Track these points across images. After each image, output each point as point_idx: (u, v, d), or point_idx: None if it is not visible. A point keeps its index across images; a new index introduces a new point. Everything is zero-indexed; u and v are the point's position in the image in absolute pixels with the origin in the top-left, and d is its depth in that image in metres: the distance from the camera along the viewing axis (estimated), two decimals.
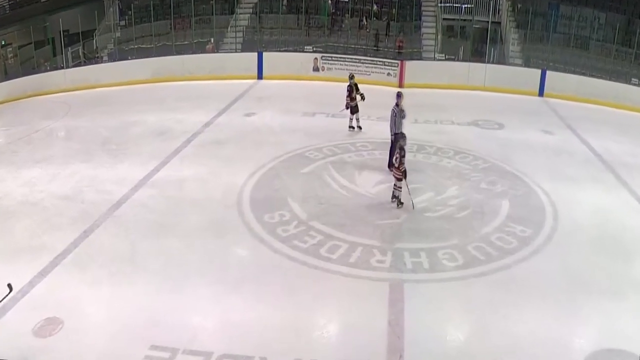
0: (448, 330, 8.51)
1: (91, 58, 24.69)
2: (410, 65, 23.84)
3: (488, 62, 24.05)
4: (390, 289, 9.28)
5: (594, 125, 18.73)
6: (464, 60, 24.66)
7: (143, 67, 23.77)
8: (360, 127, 16.97)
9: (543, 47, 24.21)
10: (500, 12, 26.96)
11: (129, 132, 17.02)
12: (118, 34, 26.20)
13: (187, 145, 15.74)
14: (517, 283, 9.53)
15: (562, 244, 10.81)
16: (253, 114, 18.97)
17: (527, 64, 24.20)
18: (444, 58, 24.93)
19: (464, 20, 26.60)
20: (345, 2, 27.12)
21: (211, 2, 25.96)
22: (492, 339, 8.12)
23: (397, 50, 25.03)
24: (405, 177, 11.99)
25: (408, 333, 8.17)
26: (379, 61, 24.13)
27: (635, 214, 12.27)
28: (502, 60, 24.89)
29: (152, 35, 25.07)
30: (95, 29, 25.53)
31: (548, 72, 22.85)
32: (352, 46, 25.32)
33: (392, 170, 12.75)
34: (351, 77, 17.39)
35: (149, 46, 24.98)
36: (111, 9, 27.03)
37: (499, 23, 26.77)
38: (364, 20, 26.44)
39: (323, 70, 24.58)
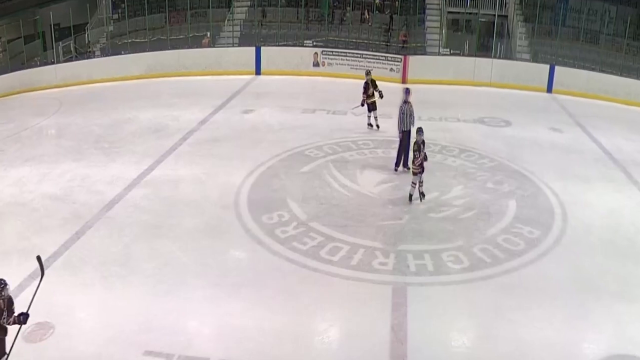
0: (453, 335, 8.50)
1: (83, 53, 24.67)
2: (414, 60, 23.83)
3: (494, 57, 24.05)
4: (393, 293, 9.27)
5: (605, 122, 18.74)
6: (469, 55, 24.65)
7: (137, 62, 23.78)
8: (378, 126, 16.83)
9: (551, 42, 24.19)
10: (507, 5, 26.94)
11: (122, 129, 17.02)
12: (111, 28, 26.20)
13: (182, 144, 15.73)
14: (524, 286, 9.52)
15: (571, 246, 10.81)
16: (251, 111, 18.96)
17: (535, 59, 24.19)
18: (448, 53, 24.91)
19: (470, 13, 26.57)
20: None
21: None
22: (498, 345, 8.11)
23: (400, 45, 25.00)
24: (422, 172, 12.14)
25: (411, 338, 8.15)
26: (382, 56, 24.10)
27: None
28: (509, 55, 24.90)
29: (146, 29, 25.08)
30: (87, 23, 25.54)
31: (557, 68, 22.82)
32: (354, 40, 25.29)
33: (401, 170, 13.26)
34: (367, 73, 17.26)
35: (143, 40, 24.98)
36: (104, 1, 27.05)
37: (506, 16, 26.75)
38: (366, 13, 26.42)
39: (324, 65, 24.56)
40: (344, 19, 26.28)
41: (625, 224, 11.79)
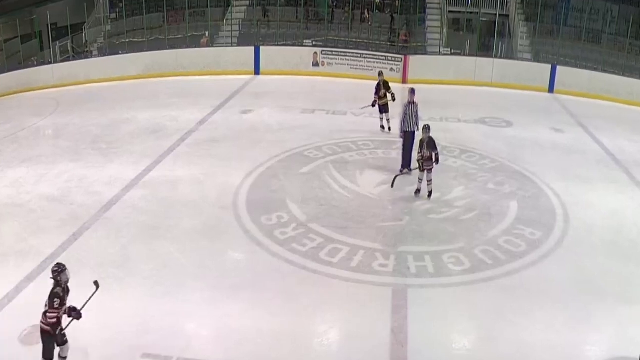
0: (454, 337, 8.52)
1: (80, 52, 24.64)
2: (415, 60, 23.83)
3: (496, 57, 24.06)
4: (394, 295, 9.28)
5: (607, 123, 18.75)
6: (470, 54, 24.66)
7: (135, 62, 23.76)
8: (389, 129, 16.64)
9: (553, 41, 24.18)
10: (508, 5, 26.95)
11: (120, 130, 17.02)
12: (108, 28, 26.18)
13: (180, 144, 15.74)
14: (526, 288, 9.53)
15: (573, 248, 10.83)
16: (250, 111, 18.97)
17: (536, 58, 24.19)
18: (449, 52, 24.88)
19: (471, 13, 26.60)
20: None
21: None
22: (499, 347, 8.12)
23: (400, 45, 25.00)
24: (420, 168, 12.36)
25: (412, 341, 8.16)
26: (382, 56, 24.07)
27: None
28: (510, 54, 24.90)
29: (144, 28, 25.06)
30: (85, 22, 25.50)
31: (558, 67, 22.82)
32: (354, 40, 25.29)
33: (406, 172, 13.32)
34: (379, 74, 17.24)
35: (140, 40, 24.97)
36: (101, 1, 27.01)
37: (507, 16, 26.77)
38: (366, 13, 26.42)
39: (323, 65, 24.54)
40: (344, 18, 26.25)
41: (627, 225, 11.80)
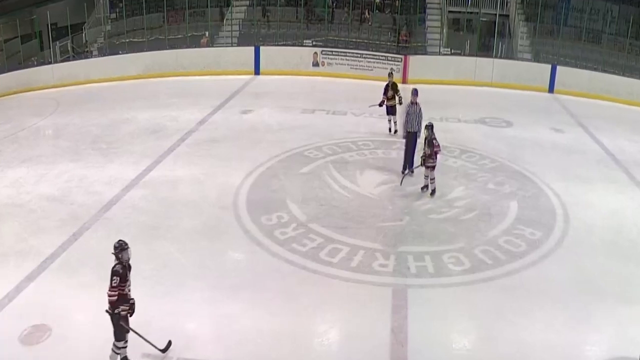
0: (454, 338, 8.52)
1: (80, 52, 24.63)
2: (415, 60, 23.83)
3: (496, 57, 24.05)
4: (394, 295, 9.28)
5: (607, 123, 18.75)
6: (470, 54, 24.65)
7: (135, 62, 23.77)
8: (396, 131, 16.54)
9: (553, 41, 24.16)
10: (508, 5, 26.95)
11: (120, 130, 17.02)
12: (108, 28, 26.18)
13: (180, 144, 15.74)
14: (526, 288, 9.54)
15: (573, 248, 10.83)
16: (250, 111, 18.97)
17: (536, 58, 24.18)
18: (449, 52, 24.87)
19: (471, 13, 26.59)
20: None
21: None
22: (499, 347, 8.12)
23: (400, 45, 25.00)
24: (422, 164, 12.51)
25: (412, 341, 8.16)
26: (382, 56, 24.08)
27: None
28: (510, 54, 24.89)
29: (144, 28, 25.05)
30: (85, 22, 25.50)
31: (558, 67, 22.83)
32: (354, 40, 25.28)
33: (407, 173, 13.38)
34: (389, 74, 17.25)
35: (140, 40, 24.96)
36: (101, 1, 27.01)
37: (507, 16, 26.76)
38: (366, 13, 26.42)
39: (323, 65, 24.54)
40: (344, 18, 26.23)
41: (627, 225, 11.81)
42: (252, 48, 24.68)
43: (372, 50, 24.50)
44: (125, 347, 7.58)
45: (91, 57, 24.26)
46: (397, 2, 26.35)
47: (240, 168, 13.93)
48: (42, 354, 7.81)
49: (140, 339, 7.63)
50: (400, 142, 15.01)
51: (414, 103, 13.65)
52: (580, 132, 17.81)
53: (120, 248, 7.56)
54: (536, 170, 14.25)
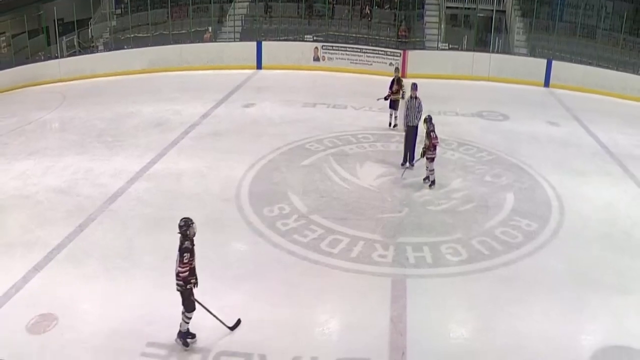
0: (451, 327, 8.48)
1: (86, 47, 24.52)
2: (413, 55, 23.73)
3: (492, 52, 23.89)
4: (393, 285, 9.24)
5: (601, 116, 18.65)
6: (467, 49, 24.49)
7: (139, 57, 23.64)
8: (396, 125, 16.41)
9: (549, 37, 24.01)
10: (504, 1, 26.77)
11: (125, 123, 16.94)
12: (114, 23, 26.05)
13: (184, 137, 15.67)
14: (522, 279, 9.50)
15: (568, 239, 10.78)
16: (252, 105, 18.89)
17: (532, 53, 24.05)
18: (447, 47, 24.72)
19: (468, 8, 26.40)
20: None
21: None
22: (496, 337, 8.10)
23: (399, 40, 24.90)
24: (422, 156, 12.53)
25: (411, 330, 8.13)
26: (381, 51, 23.99)
27: None
28: (506, 49, 24.75)
29: (148, 24, 24.93)
30: (91, 18, 25.38)
31: (554, 62, 22.70)
32: (354, 35, 25.17)
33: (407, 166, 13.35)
34: (395, 70, 17.28)
35: (145, 35, 24.85)
36: None
37: (504, 11, 26.59)
38: (367, 9, 26.28)
39: (324, 60, 24.44)
40: (344, 14, 26.09)
41: (621, 217, 11.75)
42: (254, 43, 24.57)
43: (371, 45, 24.39)
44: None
45: (97, 52, 24.14)
46: None
47: (243, 161, 13.86)
48: (48, 342, 7.77)
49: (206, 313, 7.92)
50: (400, 136, 14.97)
51: (413, 97, 13.57)
52: (576, 126, 17.72)
53: (187, 225, 7.71)
54: (532, 163, 14.18)
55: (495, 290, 9.19)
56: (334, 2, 26.57)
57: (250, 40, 24.89)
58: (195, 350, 7.64)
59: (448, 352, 7.79)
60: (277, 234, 10.65)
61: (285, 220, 11.16)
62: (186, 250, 7.55)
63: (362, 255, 10.03)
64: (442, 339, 8.08)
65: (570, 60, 22.80)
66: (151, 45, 24.14)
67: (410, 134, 13.59)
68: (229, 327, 8.04)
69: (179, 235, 7.67)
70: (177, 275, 7.60)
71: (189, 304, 7.72)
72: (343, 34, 25.25)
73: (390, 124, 16.64)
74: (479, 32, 25.54)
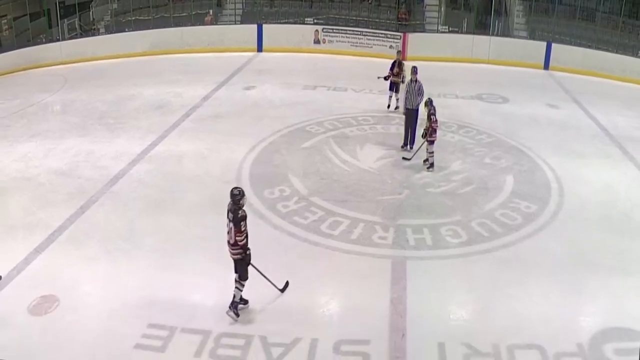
0: (451, 309, 8.39)
1: (88, 30, 24.27)
2: (413, 38, 23.53)
3: (492, 35, 23.65)
4: (393, 266, 9.15)
5: (601, 99, 18.49)
6: (467, 32, 24.25)
7: (141, 40, 23.45)
8: (397, 107, 16.23)
9: (548, 19, 23.79)
10: None
11: (126, 105, 16.78)
12: (115, 6, 25.73)
13: (185, 120, 15.52)
14: (521, 260, 9.40)
15: (567, 221, 10.68)
16: (253, 88, 18.71)
17: (532, 36, 23.84)
18: (447, 30, 24.53)
19: None
20: None
21: None
22: (496, 318, 8.01)
23: (399, 23, 24.67)
24: (423, 137, 12.53)
25: (411, 312, 8.05)
26: (381, 33, 23.80)
27: None
28: (506, 32, 24.49)
29: (149, 6, 24.66)
30: (92, 1, 25.07)
31: (553, 45, 22.51)
32: (354, 18, 24.92)
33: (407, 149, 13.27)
34: (397, 52, 17.27)
35: (146, 18, 24.59)
36: None
37: None
38: None
39: (324, 42, 24.24)
40: None
41: (621, 199, 11.65)
42: (255, 26, 24.35)
43: (371, 28, 24.18)
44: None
45: (98, 35, 23.88)
46: None
47: (243, 143, 13.73)
48: (50, 324, 7.69)
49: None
50: (400, 118, 14.86)
51: (413, 80, 13.41)
52: (575, 108, 17.55)
53: (241, 195, 7.68)
54: (532, 145, 14.05)
55: (494, 272, 9.10)
56: None
57: (251, 23, 24.64)
58: (195, 331, 7.55)
59: (448, 333, 7.70)
60: (278, 216, 10.55)
61: (286, 202, 11.05)
62: (243, 218, 7.58)
63: (363, 237, 9.93)
64: (442, 321, 7.99)
65: (570, 43, 22.61)
66: (152, 28, 23.87)
67: (410, 117, 13.44)
68: (280, 289, 8.29)
69: (231, 205, 7.66)
70: (235, 244, 7.68)
71: (244, 272, 7.85)
72: (343, 16, 25.01)
73: (388, 106, 16.48)
74: (478, 15, 25.25)
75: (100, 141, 13.94)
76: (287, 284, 8.41)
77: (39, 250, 9.32)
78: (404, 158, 13.08)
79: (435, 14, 24.87)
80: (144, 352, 7.24)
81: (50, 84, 19.10)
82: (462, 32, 24.47)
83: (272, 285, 8.30)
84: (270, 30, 24.31)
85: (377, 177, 12.30)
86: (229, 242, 7.74)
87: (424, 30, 24.54)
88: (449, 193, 11.62)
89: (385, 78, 16.30)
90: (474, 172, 12.56)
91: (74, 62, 22.07)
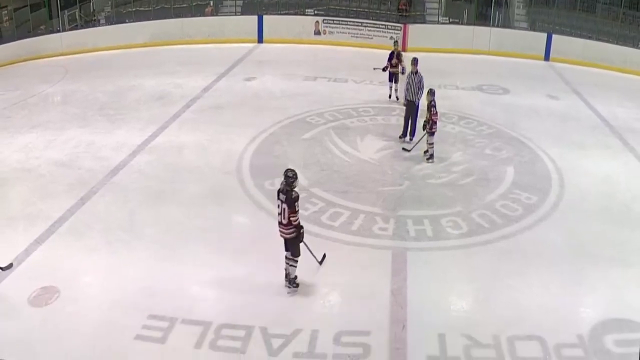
0: (452, 299, 8.35)
1: (88, 21, 24.13)
2: (414, 29, 23.39)
3: (493, 26, 23.52)
4: (393, 258, 9.10)
5: (601, 90, 18.38)
6: (468, 23, 24.10)
7: (141, 31, 23.31)
8: (397, 98, 16.17)
9: (549, 10, 23.68)
10: None
11: (126, 96, 16.68)
12: None
13: (185, 111, 15.43)
14: (522, 252, 9.35)
15: (568, 212, 10.62)
16: (253, 79, 18.60)
17: (532, 27, 23.71)
18: (447, 21, 24.41)
19: None
20: None
21: None
22: (496, 309, 7.97)
23: (400, 14, 24.54)
24: (423, 129, 12.43)
25: (411, 303, 8.01)
26: (381, 24, 23.66)
27: None
28: (507, 23, 24.36)
29: None
30: None
31: (554, 36, 22.38)
32: (355, 9, 24.79)
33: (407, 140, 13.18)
34: (394, 43, 17.07)
35: (146, 9, 24.44)
36: None
37: None
38: None
39: (325, 34, 24.10)
40: None
41: (621, 190, 11.58)
42: (256, 17, 24.19)
43: (372, 19, 24.03)
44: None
45: (99, 26, 23.73)
46: None
47: (244, 134, 13.65)
48: (50, 315, 7.66)
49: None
50: (400, 109, 14.77)
51: (414, 72, 13.30)
52: (575, 99, 17.46)
53: (295, 177, 7.88)
54: (532, 136, 13.97)
55: (495, 262, 9.06)
56: None
57: (252, 13, 24.48)
58: (195, 322, 7.51)
59: (448, 324, 7.66)
60: None
61: None
62: (297, 199, 7.81)
63: (363, 228, 9.88)
64: (442, 311, 7.96)
65: (570, 34, 22.47)
66: (153, 19, 23.69)
67: (411, 108, 13.35)
68: (319, 262, 8.61)
69: (284, 186, 7.88)
70: (289, 224, 7.89)
71: (296, 250, 8.07)
72: (344, 8, 24.87)
73: (390, 96, 16.40)
74: (479, 6, 25.10)
75: (101, 132, 13.86)
76: (324, 256, 8.73)
77: (39, 241, 9.28)
78: (404, 149, 13.01)
79: (436, 5, 24.70)
80: (144, 343, 7.21)
81: (51, 75, 18.99)
82: (462, 23, 24.34)
83: (266, 278, 8.35)
84: (270, 21, 24.16)
85: (378, 168, 12.24)
86: (280, 222, 7.95)
87: (424, 22, 24.40)
88: (449, 184, 11.56)
89: (384, 69, 16.22)
90: (475, 163, 12.49)
91: (74, 53, 21.93)
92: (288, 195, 7.78)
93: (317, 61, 21.20)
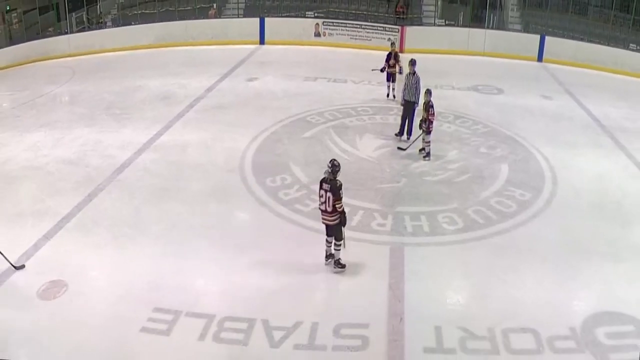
0: (448, 294, 8.35)
1: (95, 23, 24.17)
2: (411, 31, 23.38)
3: (487, 28, 23.52)
4: (391, 253, 9.10)
5: (593, 90, 18.36)
6: (463, 25, 24.10)
7: (146, 33, 23.31)
8: (394, 97, 16.20)
9: (542, 13, 23.70)
10: None
11: (132, 96, 16.66)
12: (121, 0, 25.66)
13: (189, 110, 15.41)
14: (516, 247, 9.34)
15: (561, 209, 10.60)
16: (255, 79, 18.58)
17: (526, 29, 23.72)
18: (444, 24, 24.42)
19: None
20: None
21: None
22: (491, 303, 7.96)
23: (397, 16, 24.52)
24: (420, 127, 12.43)
25: (408, 296, 8.00)
26: (380, 27, 23.65)
27: (634, 179, 12.05)
28: (501, 25, 24.35)
29: (155, 0, 24.52)
30: None
31: (547, 38, 22.38)
32: (354, 12, 24.77)
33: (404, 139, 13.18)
34: (391, 44, 17.13)
35: (152, 11, 24.45)
36: None
37: None
38: None
39: (324, 35, 24.09)
40: None
41: (612, 188, 11.55)
42: (258, 19, 24.21)
43: (370, 22, 24.04)
44: None
45: (105, 28, 23.79)
46: None
47: (246, 133, 13.63)
48: (58, 308, 7.65)
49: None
50: (398, 109, 14.75)
51: (411, 73, 13.28)
52: (568, 99, 17.43)
53: (339, 167, 8.14)
54: (526, 135, 13.95)
55: (490, 258, 9.04)
56: None
57: (254, 16, 24.51)
58: (199, 315, 7.50)
59: (444, 317, 7.65)
60: (279, 204, 10.48)
61: (287, 190, 10.98)
62: (341, 187, 8.10)
63: (362, 224, 9.87)
64: (438, 305, 7.95)
65: (563, 36, 22.50)
66: (158, 21, 23.77)
67: (408, 108, 13.33)
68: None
69: (329, 175, 8.10)
70: (334, 211, 8.16)
71: (339, 233, 8.35)
72: (343, 10, 24.88)
73: (388, 95, 16.41)
74: (474, 9, 25.07)
75: (107, 131, 13.85)
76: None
77: (47, 236, 9.26)
78: (399, 148, 12.98)
79: (432, 8, 24.72)
80: (149, 336, 7.20)
81: (59, 76, 18.98)
82: (458, 26, 24.33)
83: (267, 272, 8.35)
84: (272, 23, 24.16)
85: (376, 166, 12.22)
86: (325, 210, 8.20)
87: (421, 24, 24.38)
88: (445, 181, 11.55)
89: (381, 70, 16.22)
90: (470, 161, 12.47)
91: (81, 55, 21.96)
92: (332, 184, 8.00)
93: (317, 62, 21.18)
